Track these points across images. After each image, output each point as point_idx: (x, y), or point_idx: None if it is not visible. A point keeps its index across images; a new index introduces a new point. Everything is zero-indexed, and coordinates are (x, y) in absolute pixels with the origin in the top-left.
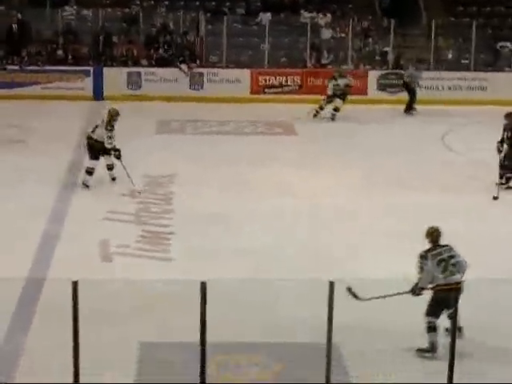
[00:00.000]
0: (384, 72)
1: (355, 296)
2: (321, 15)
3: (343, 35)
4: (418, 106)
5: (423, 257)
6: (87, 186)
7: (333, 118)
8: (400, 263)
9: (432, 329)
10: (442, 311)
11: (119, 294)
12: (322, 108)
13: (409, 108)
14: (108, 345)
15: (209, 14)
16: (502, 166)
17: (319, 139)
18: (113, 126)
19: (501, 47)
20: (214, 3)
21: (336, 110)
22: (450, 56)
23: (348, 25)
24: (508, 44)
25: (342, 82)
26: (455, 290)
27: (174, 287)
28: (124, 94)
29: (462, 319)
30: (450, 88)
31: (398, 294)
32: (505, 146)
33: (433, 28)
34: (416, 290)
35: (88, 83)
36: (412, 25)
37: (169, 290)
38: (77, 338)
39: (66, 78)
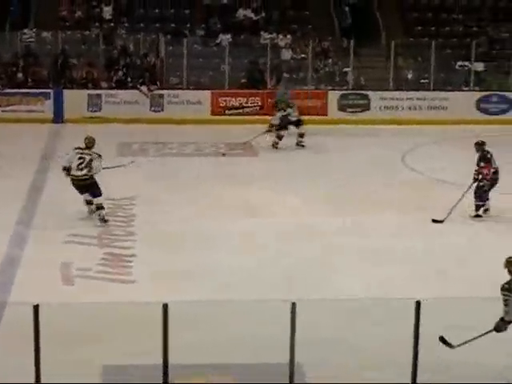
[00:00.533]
0: (344, 92)
1: (448, 345)
2: (281, 36)
3: (303, 56)
4: (379, 126)
5: (507, 289)
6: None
7: (302, 145)
8: (366, 281)
9: None
10: None
11: (81, 318)
12: (280, 137)
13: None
14: (70, 368)
15: (169, 36)
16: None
17: (280, 159)
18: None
19: (460, 66)
20: (173, 25)
21: (301, 135)
22: (409, 76)
23: (308, 45)
24: (467, 63)
25: (290, 111)
26: None
27: (137, 310)
28: (84, 117)
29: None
30: (409, 108)
31: (485, 333)
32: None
33: (392, 48)
34: (502, 327)
35: (48, 106)
36: (372, 45)
37: (131, 312)
38: (38, 361)
39: (26, 101)
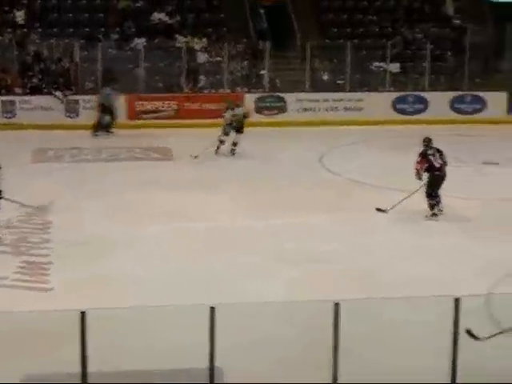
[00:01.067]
0: (260, 95)
1: (475, 337)
2: (196, 39)
3: (219, 59)
4: (296, 128)
5: None
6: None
7: (233, 153)
8: (288, 284)
9: None
10: None
11: None
12: (222, 142)
13: (98, 128)
14: None
15: (83, 41)
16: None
17: (196, 163)
18: None
19: (375, 67)
20: (87, 29)
21: (235, 144)
22: (325, 77)
23: (223, 48)
24: (382, 64)
25: (239, 111)
26: None
27: (55, 318)
28: None
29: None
30: (326, 109)
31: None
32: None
33: (308, 50)
34: None
35: None
36: (287, 47)
37: (49, 320)
38: None
39: None
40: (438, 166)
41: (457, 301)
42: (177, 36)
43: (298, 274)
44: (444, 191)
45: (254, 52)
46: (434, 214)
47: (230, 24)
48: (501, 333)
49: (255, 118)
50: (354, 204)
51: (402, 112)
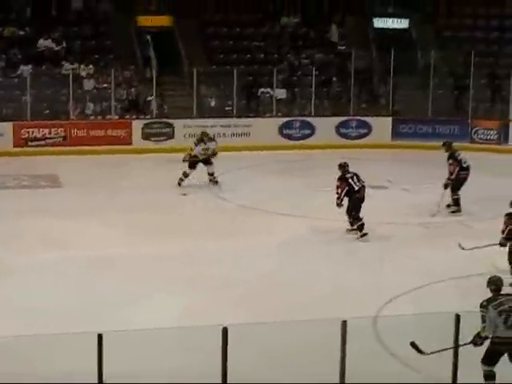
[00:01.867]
0: (148, 121)
1: (419, 351)
2: (82, 66)
3: (106, 85)
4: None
5: (484, 306)
6: None
7: (216, 182)
8: (172, 310)
9: (489, 377)
10: (498, 361)
11: None
12: (187, 175)
13: None
14: None
15: None
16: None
17: (85, 190)
18: None
19: (262, 93)
20: None
21: (212, 174)
22: (212, 103)
23: (110, 75)
24: (268, 90)
25: (211, 145)
26: None
27: None
28: None
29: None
30: (214, 135)
31: (460, 345)
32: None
33: (194, 76)
34: (478, 341)
35: None
36: (174, 73)
37: None
38: None
39: None
40: (357, 188)
41: (344, 323)
42: (63, 63)
43: (188, 300)
44: (331, 215)
45: (141, 78)
46: (364, 234)
47: (116, 51)
48: (444, 349)
49: (142, 144)
50: (244, 229)
51: (289, 137)
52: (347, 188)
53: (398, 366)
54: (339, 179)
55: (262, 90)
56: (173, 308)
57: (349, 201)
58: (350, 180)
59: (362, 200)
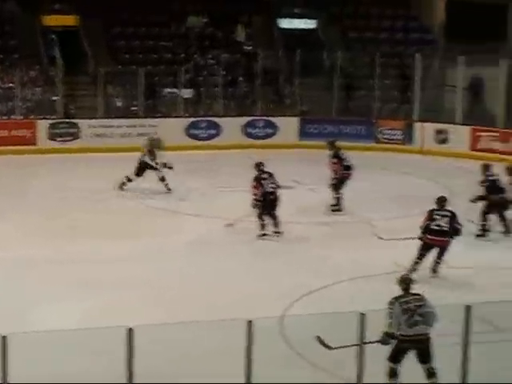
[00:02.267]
0: (54, 121)
1: (325, 345)
2: None
3: (11, 85)
4: (90, 154)
5: (391, 303)
6: None
7: (169, 189)
8: (82, 310)
9: (393, 373)
10: (403, 358)
11: None
12: (130, 180)
13: None
14: None
15: None
16: None
17: None
18: None
19: (168, 93)
20: None
21: (163, 179)
22: (118, 103)
23: (15, 74)
24: (175, 90)
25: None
26: (419, 341)
27: None
28: None
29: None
30: (120, 135)
31: (367, 343)
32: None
33: (100, 76)
34: (385, 340)
35: None
36: (80, 73)
37: None
38: None
39: None
40: (271, 190)
41: (249, 323)
42: None
43: (93, 302)
44: (238, 215)
45: (47, 78)
46: (265, 234)
47: (21, 50)
48: (350, 346)
49: (48, 144)
50: (152, 230)
51: (195, 137)
52: (262, 189)
53: (305, 365)
54: (255, 180)
55: (168, 90)
56: (77, 310)
57: (262, 201)
58: (263, 181)
59: (275, 201)
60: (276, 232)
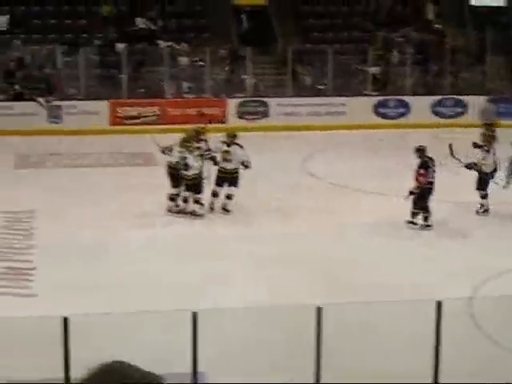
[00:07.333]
0: (243, 100)
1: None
2: (178, 45)
3: (201, 64)
4: (278, 133)
5: None
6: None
7: None
8: (268, 288)
9: None
10: None
11: None
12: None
13: None
14: None
15: (65, 46)
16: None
17: None
18: None
19: (357, 71)
20: (70, 35)
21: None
22: (307, 82)
23: (205, 53)
24: (364, 68)
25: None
26: None
27: (37, 324)
28: None
29: None
30: (308, 114)
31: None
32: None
33: (289, 54)
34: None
35: None
36: (269, 52)
37: (32, 326)
38: None
39: None
40: (432, 180)
41: (439, 304)
42: (159, 41)
43: (280, 278)
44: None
45: (236, 57)
46: (428, 226)
47: (211, 29)
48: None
49: (237, 122)
50: (336, 207)
51: (384, 116)
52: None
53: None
54: (424, 166)
55: (357, 67)
56: (267, 286)
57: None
58: (429, 169)
59: (432, 190)
60: (427, 225)
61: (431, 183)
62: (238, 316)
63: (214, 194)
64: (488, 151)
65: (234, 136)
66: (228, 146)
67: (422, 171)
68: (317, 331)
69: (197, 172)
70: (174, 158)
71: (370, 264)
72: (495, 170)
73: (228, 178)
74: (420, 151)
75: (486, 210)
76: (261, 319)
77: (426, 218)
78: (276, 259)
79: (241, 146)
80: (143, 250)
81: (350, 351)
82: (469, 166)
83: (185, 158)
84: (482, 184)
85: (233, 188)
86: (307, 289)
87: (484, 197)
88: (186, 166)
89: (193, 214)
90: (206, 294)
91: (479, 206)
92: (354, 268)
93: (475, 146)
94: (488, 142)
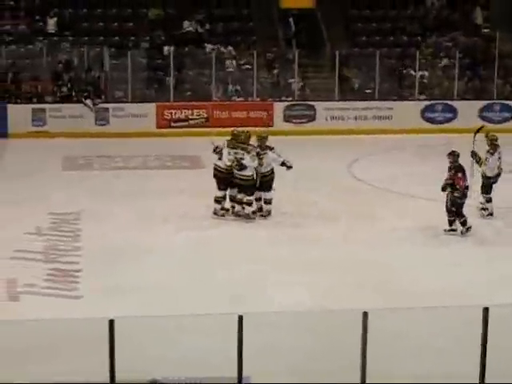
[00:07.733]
0: (290, 103)
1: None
2: (225, 48)
3: (248, 67)
4: (325, 137)
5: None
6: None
7: None
8: (312, 292)
9: None
10: None
11: (27, 334)
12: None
13: None
14: None
15: (113, 49)
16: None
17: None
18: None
19: (404, 75)
20: (117, 38)
21: None
22: (354, 86)
23: (252, 57)
24: (411, 72)
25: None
26: None
27: (83, 326)
28: (29, 131)
29: None
30: (355, 118)
31: None
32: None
33: (337, 58)
34: None
35: None
36: (316, 55)
37: (78, 328)
38: None
39: None
40: (468, 184)
41: (486, 310)
42: (206, 44)
43: (323, 283)
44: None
45: (283, 60)
46: (453, 230)
47: (259, 32)
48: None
49: (283, 126)
50: (382, 212)
51: (431, 121)
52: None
53: None
54: (459, 171)
55: (404, 72)
56: (311, 290)
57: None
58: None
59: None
60: (467, 229)
61: (467, 187)
62: (282, 320)
63: (257, 199)
64: (492, 154)
65: (265, 138)
66: (262, 149)
67: (459, 175)
68: (363, 336)
69: (252, 173)
70: (226, 160)
71: (413, 270)
72: (499, 175)
73: (262, 182)
74: (453, 155)
75: (491, 214)
76: (303, 324)
77: (463, 223)
78: (317, 262)
79: (271, 148)
80: (188, 253)
81: (395, 357)
82: (472, 155)
83: (241, 158)
84: (486, 188)
85: (266, 193)
86: (352, 293)
87: (489, 200)
88: (242, 166)
89: (246, 216)
90: (249, 297)
91: (484, 209)
92: (399, 274)
93: (473, 154)
94: (492, 145)
